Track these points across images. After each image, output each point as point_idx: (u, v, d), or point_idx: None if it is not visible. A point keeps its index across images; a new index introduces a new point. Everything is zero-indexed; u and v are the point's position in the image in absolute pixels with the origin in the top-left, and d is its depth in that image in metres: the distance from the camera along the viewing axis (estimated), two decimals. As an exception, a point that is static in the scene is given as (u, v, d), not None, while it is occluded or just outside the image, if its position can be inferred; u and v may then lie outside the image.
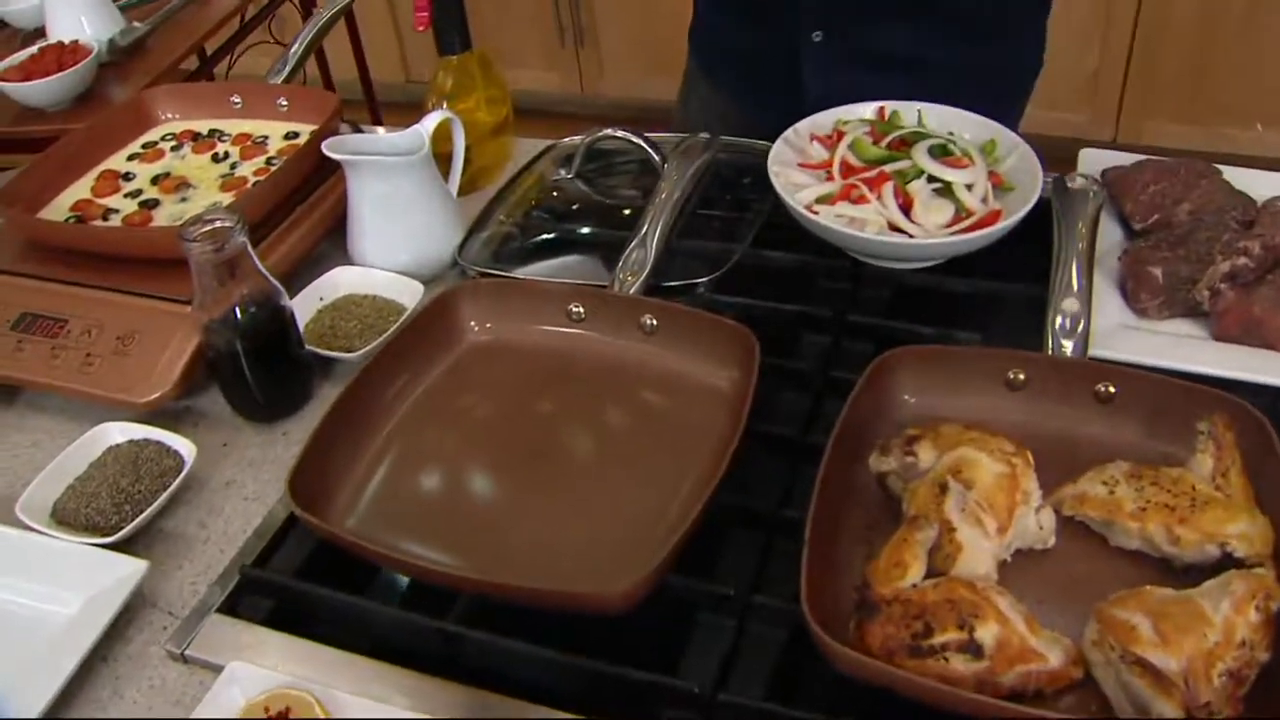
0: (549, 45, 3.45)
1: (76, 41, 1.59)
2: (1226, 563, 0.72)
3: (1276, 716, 0.61)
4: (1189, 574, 0.74)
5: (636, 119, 1.59)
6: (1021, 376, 0.88)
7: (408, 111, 1.25)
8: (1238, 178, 1.06)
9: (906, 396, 0.89)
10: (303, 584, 0.84)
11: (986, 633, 0.68)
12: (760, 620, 0.78)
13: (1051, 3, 1.36)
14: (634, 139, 1.19)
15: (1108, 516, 0.76)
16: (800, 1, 1.28)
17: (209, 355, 0.98)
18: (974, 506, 0.75)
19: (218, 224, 0.91)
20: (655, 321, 0.97)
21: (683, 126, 1.20)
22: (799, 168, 1.12)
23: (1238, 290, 0.92)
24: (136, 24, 1.71)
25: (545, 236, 1.18)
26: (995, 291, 1.05)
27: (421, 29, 1.20)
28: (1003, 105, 1.27)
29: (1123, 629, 0.67)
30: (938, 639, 0.68)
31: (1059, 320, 0.90)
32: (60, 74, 1.50)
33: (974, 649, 0.67)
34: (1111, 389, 0.85)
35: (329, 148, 1.08)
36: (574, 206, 1.22)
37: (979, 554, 0.74)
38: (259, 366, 0.98)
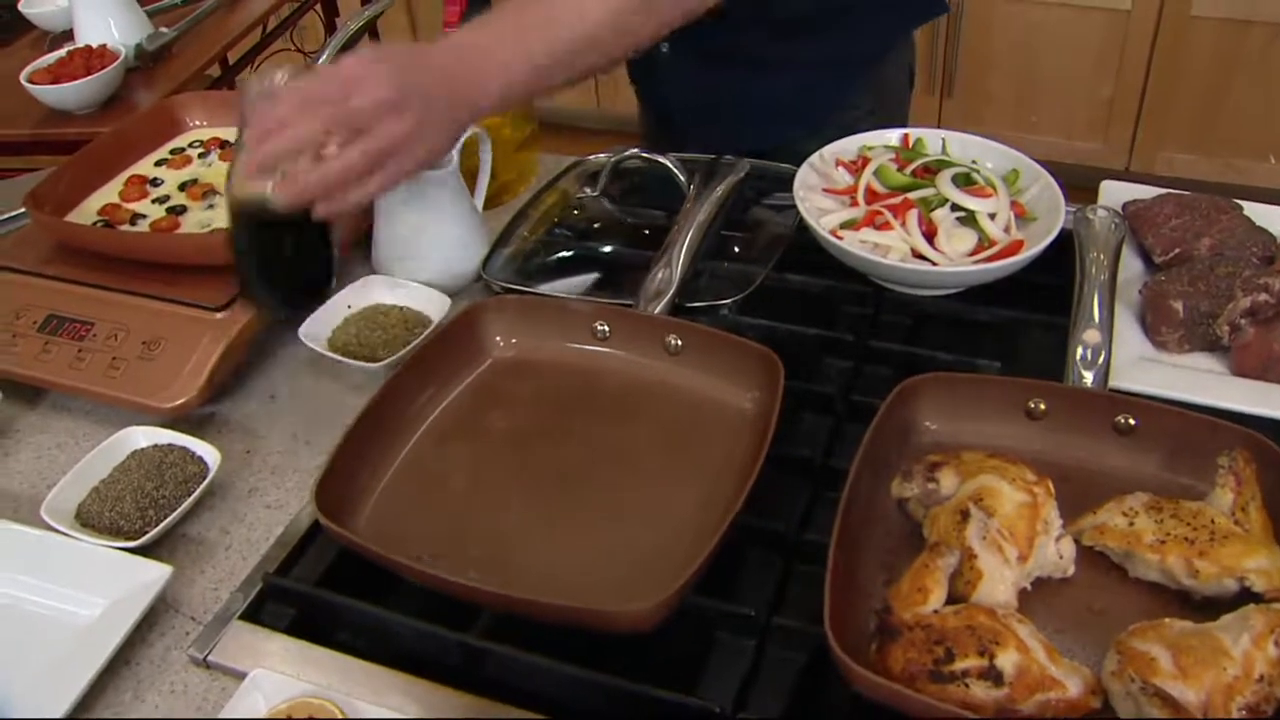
0: (566, 59, 3.46)
1: (104, 45, 1.61)
2: (1245, 597, 0.73)
3: (1294, 752, 0.62)
4: (1207, 607, 0.74)
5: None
6: (1042, 406, 0.88)
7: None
8: (1259, 213, 1.06)
9: (928, 423, 0.90)
10: (325, 593, 0.84)
11: (1007, 660, 0.68)
12: (780, 642, 0.78)
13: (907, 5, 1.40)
14: (660, 160, 1.20)
15: (1127, 547, 0.77)
16: None
17: (235, 231, 0.97)
18: (995, 534, 0.76)
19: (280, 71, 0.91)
20: (680, 342, 0.98)
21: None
22: (824, 193, 1.13)
23: (1257, 326, 0.92)
24: (164, 29, 1.73)
25: (568, 253, 1.19)
26: (1016, 320, 1.06)
27: (451, 41, 1.21)
28: (851, 86, 1.37)
29: (1142, 660, 0.67)
30: (959, 665, 0.68)
31: (1080, 351, 0.91)
32: (88, 78, 1.52)
33: (994, 676, 0.68)
34: (1132, 421, 0.86)
35: (358, 160, 1.09)
36: (596, 225, 1.23)
37: (999, 582, 0.75)
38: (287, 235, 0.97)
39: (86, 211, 1.19)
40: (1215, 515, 0.77)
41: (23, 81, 1.56)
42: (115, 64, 1.55)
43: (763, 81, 1.34)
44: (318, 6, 2.38)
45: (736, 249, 1.14)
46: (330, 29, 2.44)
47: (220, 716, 0.76)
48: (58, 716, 0.77)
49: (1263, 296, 0.93)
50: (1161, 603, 0.76)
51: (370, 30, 2.53)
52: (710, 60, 1.33)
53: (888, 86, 1.42)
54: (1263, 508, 0.77)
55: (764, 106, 1.37)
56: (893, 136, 1.18)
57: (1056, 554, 0.77)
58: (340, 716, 0.74)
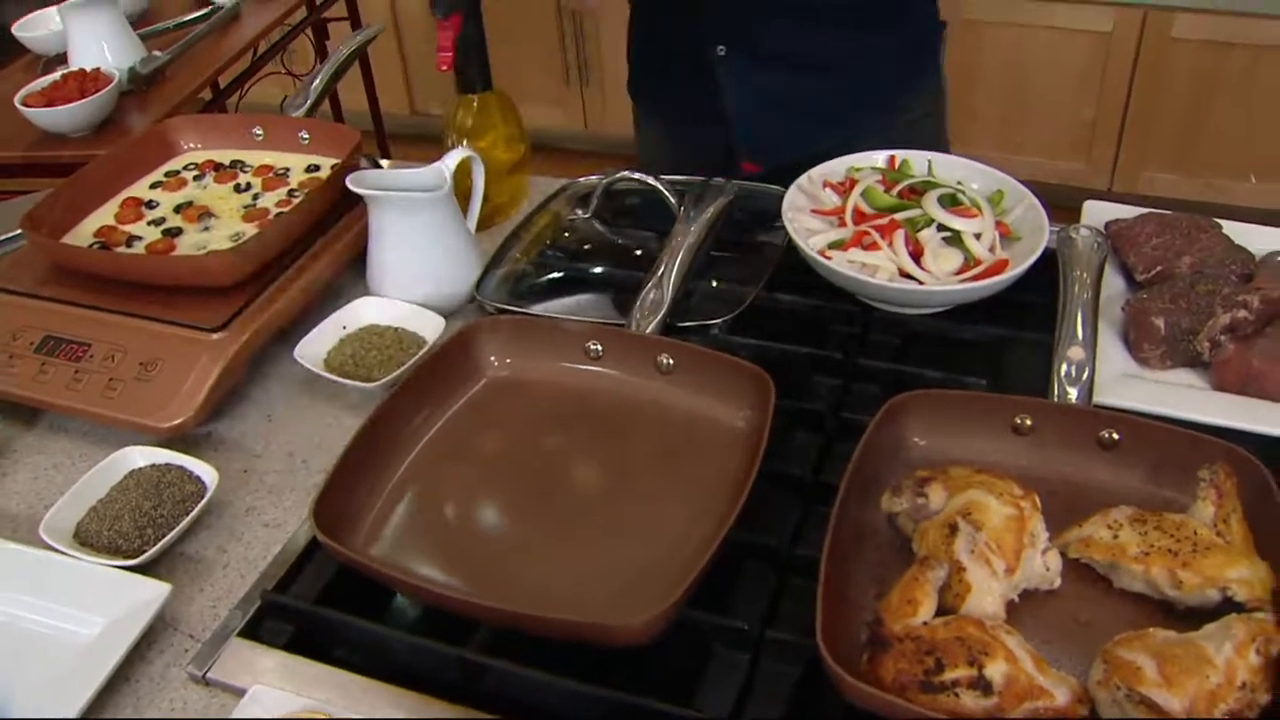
0: (554, 82, 3.50)
1: (98, 69, 1.62)
2: (1227, 606, 0.75)
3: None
4: (1191, 616, 0.76)
5: (637, 155, 1.63)
6: (1028, 422, 0.90)
7: (413, 143, 1.28)
8: (1237, 232, 1.09)
9: (916, 439, 0.92)
10: (323, 610, 0.85)
11: (995, 670, 0.70)
12: (774, 655, 0.80)
13: None
14: (651, 182, 1.22)
15: (1112, 559, 0.79)
16: (702, 20, 1.36)
17: None
18: (983, 548, 0.77)
19: None
20: (672, 361, 1.00)
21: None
22: (812, 214, 1.15)
23: (1237, 342, 0.94)
24: (157, 53, 1.74)
25: (560, 274, 1.21)
26: (1001, 338, 1.07)
27: (445, 68, 1.23)
28: (910, 85, 1.44)
29: (1128, 669, 0.69)
30: (949, 675, 0.70)
31: (1064, 367, 0.93)
32: (83, 100, 1.53)
33: (984, 686, 0.69)
34: (1115, 436, 0.88)
35: (353, 182, 1.10)
36: (587, 246, 1.24)
37: (988, 594, 0.76)
38: None
39: (82, 234, 1.20)
40: (1198, 527, 0.79)
41: (17, 105, 1.57)
42: (109, 87, 1.56)
43: (820, 81, 1.39)
44: (308, 31, 2.40)
45: (726, 270, 1.16)
46: (321, 53, 2.47)
47: (223, 727, 0.77)
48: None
49: (1242, 313, 0.95)
50: (1146, 613, 0.78)
51: (361, 56, 2.56)
52: (766, 61, 1.36)
53: (928, 90, 1.48)
54: (1243, 520, 0.79)
55: (820, 107, 1.40)
56: (879, 158, 1.21)
57: (1043, 566, 0.79)
58: (340, 729, 0.75)
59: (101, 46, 1.67)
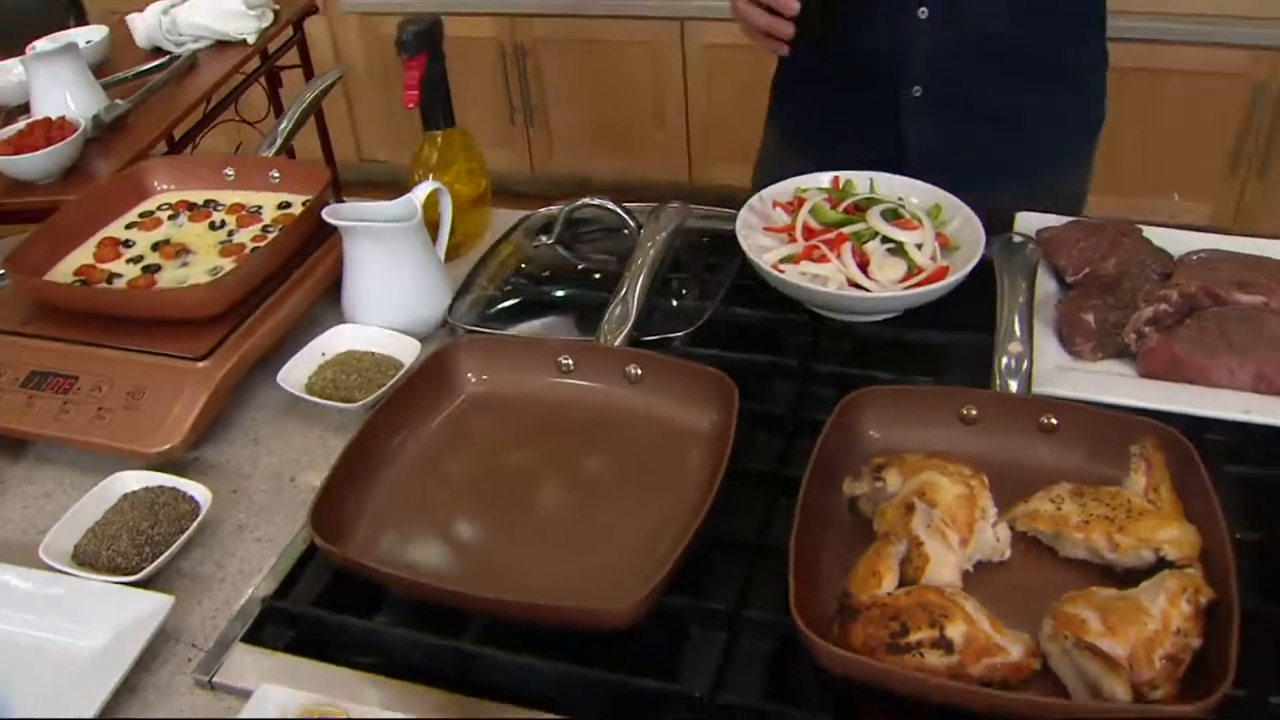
0: (501, 124, 3.57)
1: (64, 117, 1.66)
2: (1160, 566, 0.82)
3: (1209, 693, 0.70)
4: (1129, 578, 0.83)
5: (581, 194, 1.68)
6: (974, 412, 0.97)
7: (364, 189, 1.34)
8: (1156, 236, 1.18)
9: (872, 432, 0.98)
10: (322, 611, 0.90)
11: (955, 631, 0.76)
12: (749, 634, 0.86)
13: (1109, 57, 1.49)
14: (610, 206, 1.29)
15: (1056, 529, 0.86)
16: (903, 61, 1.37)
17: None
18: (938, 523, 0.84)
19: None
20: (640, 370, 1.06)
21: None
22: (764, 231, 1.22)
23: (1160, 333, 1.03)
24: (119, 101, 1.78)
25: (528, 298, 1.27)
26: (944, 341, 1.15)
27: (411, 106, 1.29)
28: (1078, 154, 1.51)
29: (1074, 622, 0.76)
30: (913, 637, 0.76)
31: (1004, 361, 1.00)
32: (50, 148, 1.57)
33: (945, 645, 0.76)
34: (1054, 421, 0.95)
35: (329, 215, 1.16)
36: (553, 270, 1.30)
37: (944, 565, 0.83)
38: None
39: (62, 274, 1.23)
40: (1131, 497, 0.86)
41: (-16, 153, 1.61)
42: (75, 134, 1.60)
43: (1008, 132, 1.42)
44: (261, 80, 2.45)
45: (685, 288, 1.22)
46: (275, 100, 2.52)
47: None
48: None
49: (1163, 306, 1.04)
50: (1089, 577, 0.84)
51: (317, 110, 2.62)
52: (956, 107, 1.39)
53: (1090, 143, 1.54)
54: (1172, 489, 0.87)
55: (1004, 160, 1.44)
56: (824, 179, 1.28)
57: (994, 538, 0.86)
58: (349, 718, 0.80)
59: (65, 95, 1.71)
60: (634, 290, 1.13)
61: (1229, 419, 0.97)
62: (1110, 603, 0.77)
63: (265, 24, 2.24)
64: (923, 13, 1.32)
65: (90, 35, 2.03)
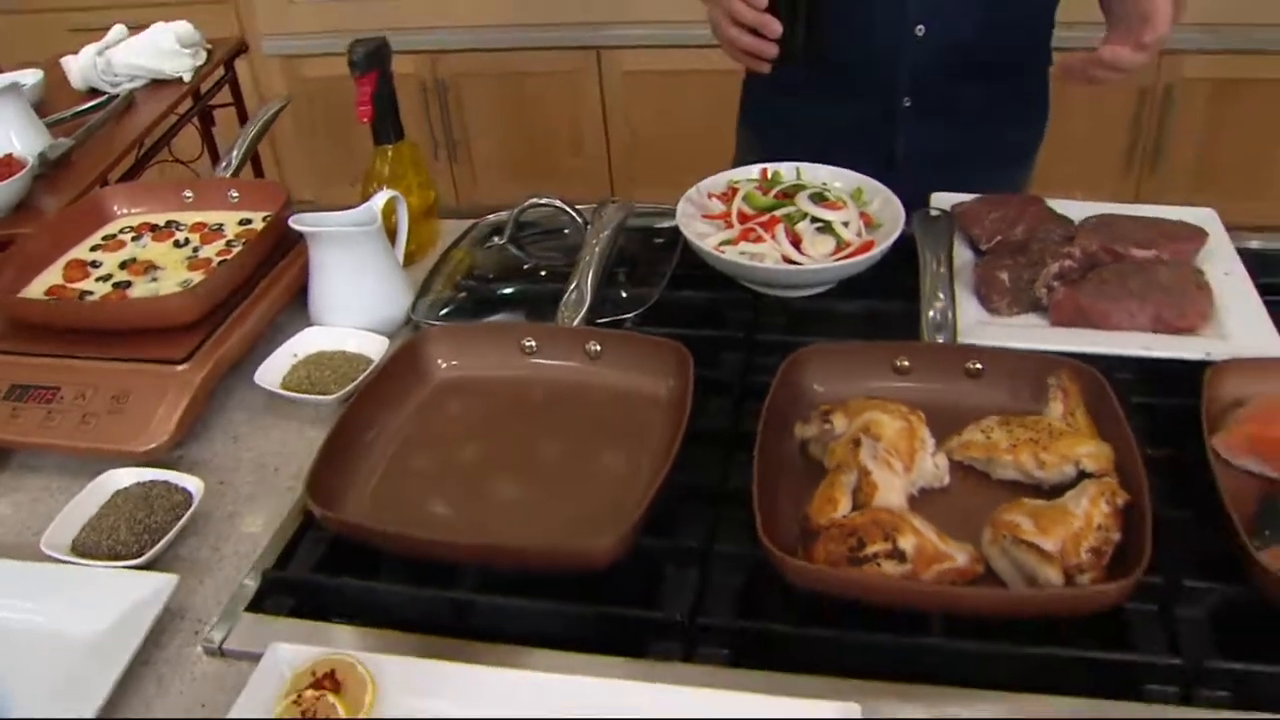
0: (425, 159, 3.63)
1: (10, 154, 1.70)
2: (1081, 479, 0.92)
3: (1128, 574, 0.80)
4: (1055, 493, 0.93)
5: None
6: (906, 363, 1.07)
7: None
8: (1057, 205, 1.30)
9: (815, 386, 1.08)
10: (323, 576, 0.96)
11: (907, 543, 0.85)
12: (720, 568, 0.94)
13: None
14: (558, 204, 1.37)
15: (988, 455, 0.96)
16: (897, 75, 1.45)
17: None
18: (884, 454, 0.93)
19: None
20: (599, 347, 1.14)
21: None
22: (702, 219, 1.32)
23: (1067, 286, 1.14)
24: (63, 139, 1.82)
25: (485, 295, 1.34)
26: (873, 309, 1.24)
27: (365, 120, 1.37)
28: (1031, 152, 1.64)
29: (1011, 525, 0.86)
30: (870, 550, 0.85)
31: (931, 315, 1.11)
32: (2, 183, 1.61)
33: (899, 555, 0.85)
34: (979, 366, 1.06)
35: (295, 222, 1.23)
36: (507, 268, 1.38)
37: (891, 491, 0.92)
38: None
39: (32, 294, 1.27)
40: (1051, 421, 0.96)
41: (-67, 192, 1.64)
42: (25, 170, 1.64)
43: (975, 136, 1.51)
44: (195, 120, 2.50)
45: (631, 275, 1.31)
46: (209, 140, 2.56)
47: (249, 683, 0.86)
48: (89, 717, 0.84)
49: (1068, 263, 1.15)
50: (1020, 496, 0.94)
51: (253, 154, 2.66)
52: (941, 114, 1.47)
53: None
54: (1086, 413, 0.97)
55: (986, 152, 1.54)
56: (753, 171, 1.39)
57: (933, 466, 0.95)
58: (359, 667, 0.85)
59: (9, 134, 1.75)
60: (587, 277, 1.22)
61: (1132, 355, 1.08)
62: (1040, 509, 0.87)
63: (199, 62, 2.30)
64: (920, 30, 1.40)
65: (26, 78, 2.06)
